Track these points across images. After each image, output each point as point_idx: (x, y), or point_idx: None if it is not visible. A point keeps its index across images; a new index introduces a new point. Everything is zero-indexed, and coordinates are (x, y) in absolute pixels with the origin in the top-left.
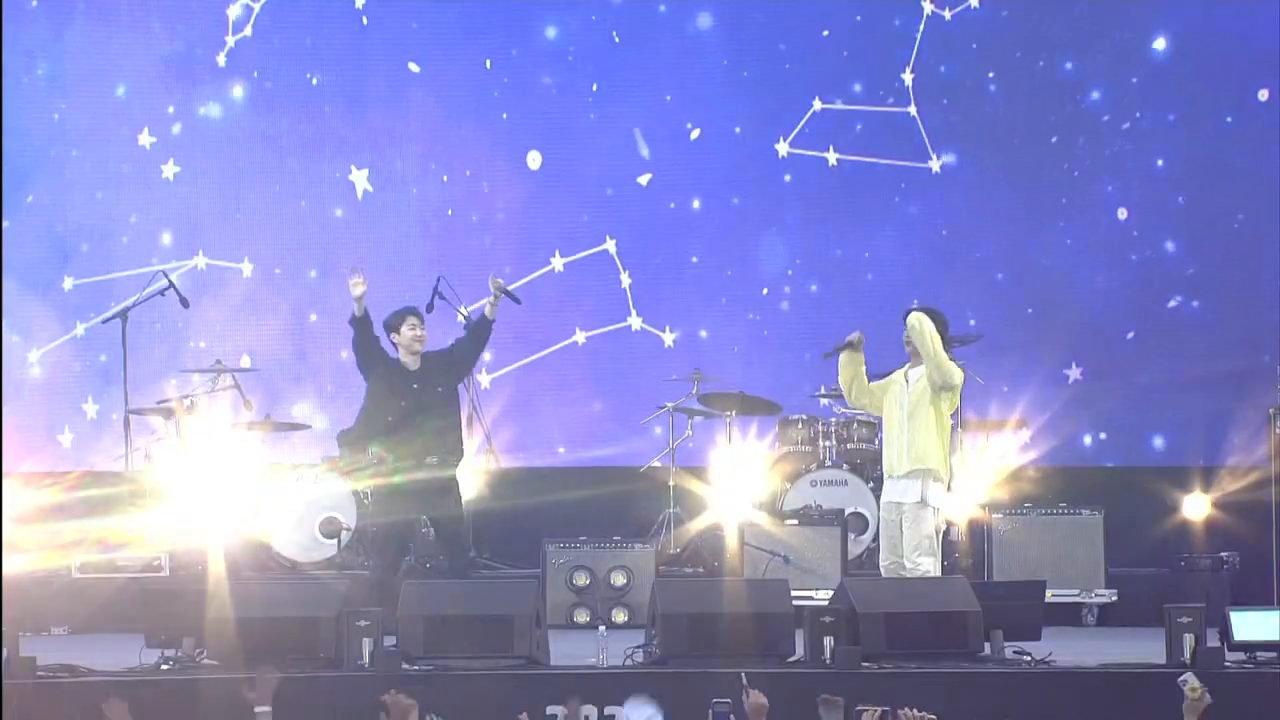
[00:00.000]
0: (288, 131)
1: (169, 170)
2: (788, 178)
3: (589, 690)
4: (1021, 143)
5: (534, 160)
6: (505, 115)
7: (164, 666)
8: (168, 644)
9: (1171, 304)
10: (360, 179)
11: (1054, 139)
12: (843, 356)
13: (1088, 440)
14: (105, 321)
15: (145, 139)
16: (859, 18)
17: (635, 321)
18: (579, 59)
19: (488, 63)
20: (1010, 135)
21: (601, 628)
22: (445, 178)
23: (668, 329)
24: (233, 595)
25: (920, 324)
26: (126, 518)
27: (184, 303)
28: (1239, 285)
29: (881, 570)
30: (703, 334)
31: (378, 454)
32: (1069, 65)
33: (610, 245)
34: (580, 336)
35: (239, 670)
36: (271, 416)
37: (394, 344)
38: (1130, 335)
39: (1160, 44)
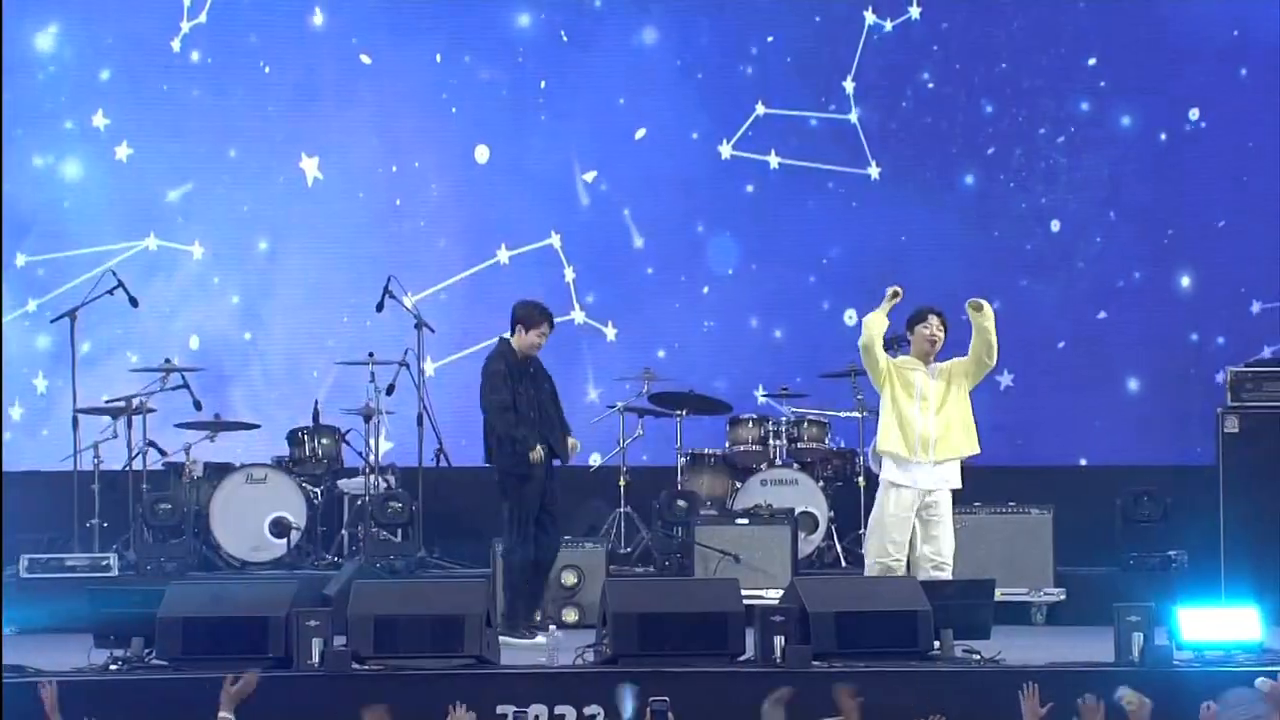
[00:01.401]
0: (240, 117)
1: (122, 152)
2: (732, 180)
3: (540, 690)
4: (959, 152)
5: (482, 154)
6: (454, 109)
7: (112, 667)
8: (116, 644)
9: (1101, 316)
10: (310, 166)
11: (991, 150)
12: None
13: (1024, 442)
14: (54, 321)
15: (99, 120)
16: (803, 25)
17: (578, 316)
18: (528, 56)
19: (438, 57)
20: (948, 144)
21: (552, 627)
22: (394, 168)
23: (610, 324)
24: (181, 595)
25: (989, 311)
26: (75, 517)
27: (133, 302)
28: (1168, 299)
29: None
30: (645, 329)
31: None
32: (1006, 78)
33: (555, 240)
34: None
35: (187, 670)
36: (220, 416)
37: (516, 335)
38: (1061, 345)
39: (1094, 61)
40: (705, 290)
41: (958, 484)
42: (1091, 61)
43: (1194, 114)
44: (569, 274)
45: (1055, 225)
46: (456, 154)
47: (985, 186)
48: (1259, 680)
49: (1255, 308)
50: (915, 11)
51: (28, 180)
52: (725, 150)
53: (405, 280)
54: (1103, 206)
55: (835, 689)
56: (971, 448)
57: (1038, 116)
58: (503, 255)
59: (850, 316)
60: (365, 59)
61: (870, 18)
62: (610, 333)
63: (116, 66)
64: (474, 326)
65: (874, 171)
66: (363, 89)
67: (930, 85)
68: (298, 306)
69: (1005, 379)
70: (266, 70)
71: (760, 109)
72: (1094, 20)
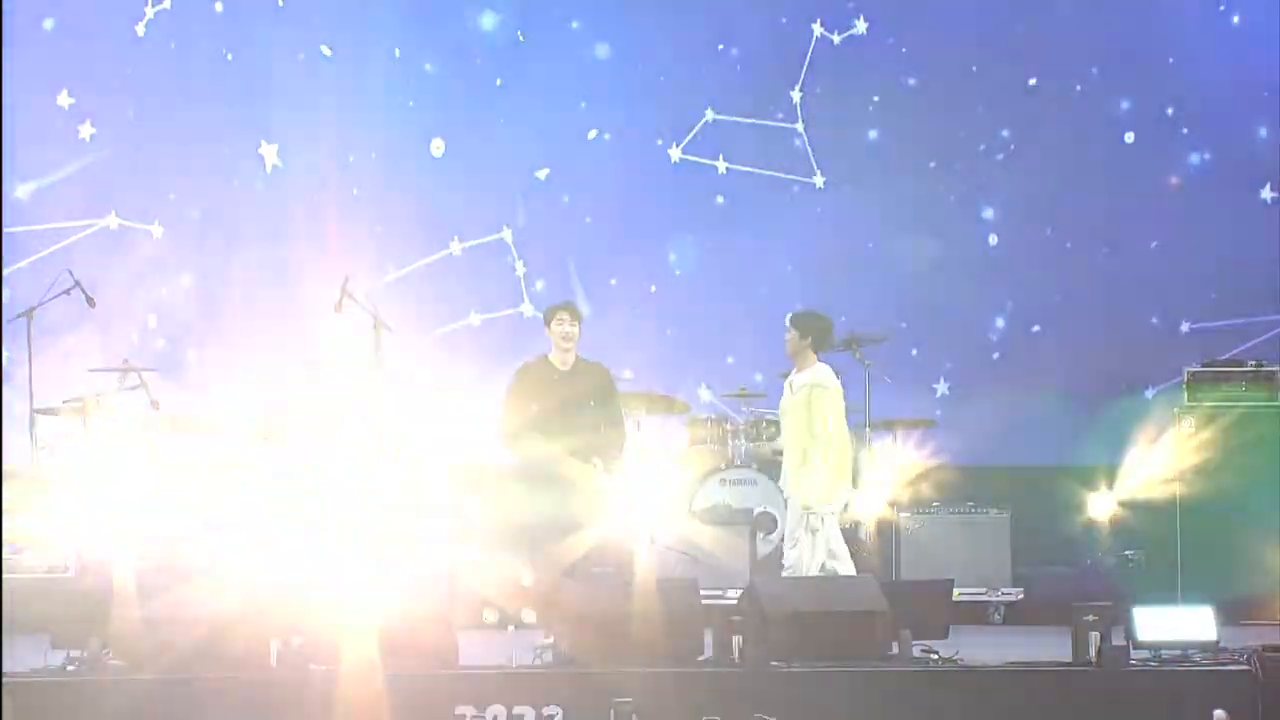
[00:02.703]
0: (201, 102)
1: (85, 131)
2: (682, 183)
3: (498, 690)
4: (902, 164)
5: (437, 148)
6: (412, 103)
7: (69, 667)
8: (74, 644)
9: (1035, 329)
10: (270, 153)
11: (932, 164)
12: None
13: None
14: (10, 321)
15: (64, 100)
16: (753, 36)
17: (527, 308)
18: (486, 55)
19: (397, 52)
20: (892, 156)
21: (510, 627)
22: (351, 158)
23: None
24: (139, 596)
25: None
26: (32, 518)
27: (90, 302)
28: (1101, 316)
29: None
30: (594, 325)
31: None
32: (949, 95)
33: (507, 234)
34: (475, 319)
35: (146, 671)
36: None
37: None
38: (996, 356)
39: (1034, 81)
40: (653, 289)
41: (798, 500)
42: (1032, 81)
43: (1129, 138)
44: (519, 268)
45: (993, 239)
46: (412, 147)
47: (927, 199)
48: (1216, 713)
49: (1184, 327)
50: (862, 26)
51: None
52: (675, 154)
53: (359, 268)
54: (1040, 223)
55: None
56: (797, 488)
57: (978, 133)
58: (455, 247)
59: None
60: (326, 50)
61: (818, 30)
62: None
63: (81, 48)
64: (426, 315)
65: (819, 180)
66: (323, 80)
67: (875, 98)
68: (254, 290)
69: (941, 387)
70: (229, 58)
71: (710, 115)
72: (1033, 42)
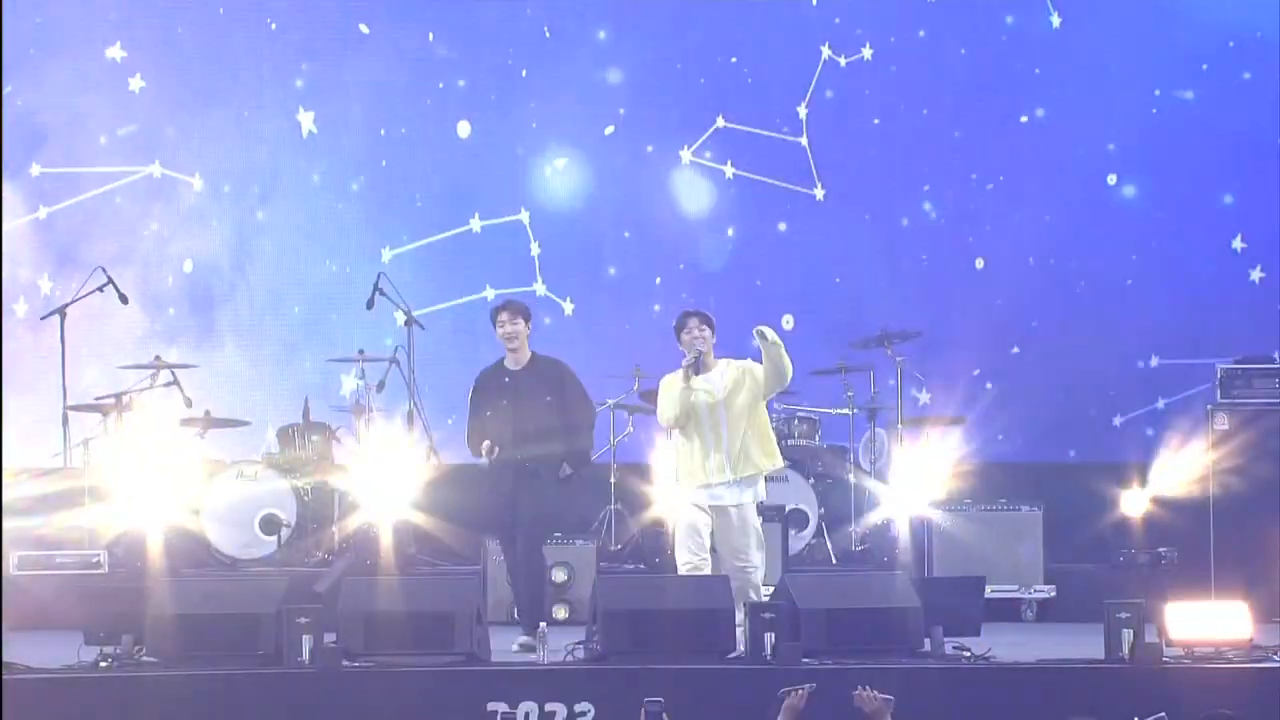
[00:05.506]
0: (245, 65)
1: (135, 83)
2: (693, 183)
3: (530, 687)
4: (897, 185)
5: (463, 129)
6: (441, 85)
7: (103, 664)
8: (106, 641)
9: (1014, 350)
10: (306, 120)
11: (926, 186)
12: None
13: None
14: (44, 318)
15: (116, 52)
16: (764, 52)
17: (540, 288)
18: (514, 46)
19: (430, 35)
20: (887, 177)
21: (542, 624)
22: (383, 132)
23: (569, 299)
24: (172, 592)
25: (777, 338)
26: (65, 515)
27: (122, 299)
28: (1076, 345)
29: (681, 570)
30: (603, 310)
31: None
32: (945, 123)
33: (524, 216)
34: (490, 293)
35: (177, 668)
36: (210, 412)
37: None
38: (976, 373)
39: (1026, 119)
40: (658, 280)
41: (750, 499)
42: (1024, 119)
43: (1111, 179)
44: (534, 248)
45: (980, 263)
46: (440, 126)
47: (918, 220)
48: None
49: (1154, 362)
50: (868, 53)
51: (48, 100)
52: (685, 155)
53: (385, 235)
54: (1023, 252)
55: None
56: (764, 465)
57: (971, 162)
58: (475, 224)
59: (788, 320)
60: (364, 29)
61: (826, 52)
62: (568, 307)
63: (134, 5)
64: (444, 284)
65: (819, 193)
66: (359, 56)
67: (876, 121)
68: (285, 247)
69: (923, 397)
70: (272, 26)
71: (720, 122)
72: (1029, 80)
